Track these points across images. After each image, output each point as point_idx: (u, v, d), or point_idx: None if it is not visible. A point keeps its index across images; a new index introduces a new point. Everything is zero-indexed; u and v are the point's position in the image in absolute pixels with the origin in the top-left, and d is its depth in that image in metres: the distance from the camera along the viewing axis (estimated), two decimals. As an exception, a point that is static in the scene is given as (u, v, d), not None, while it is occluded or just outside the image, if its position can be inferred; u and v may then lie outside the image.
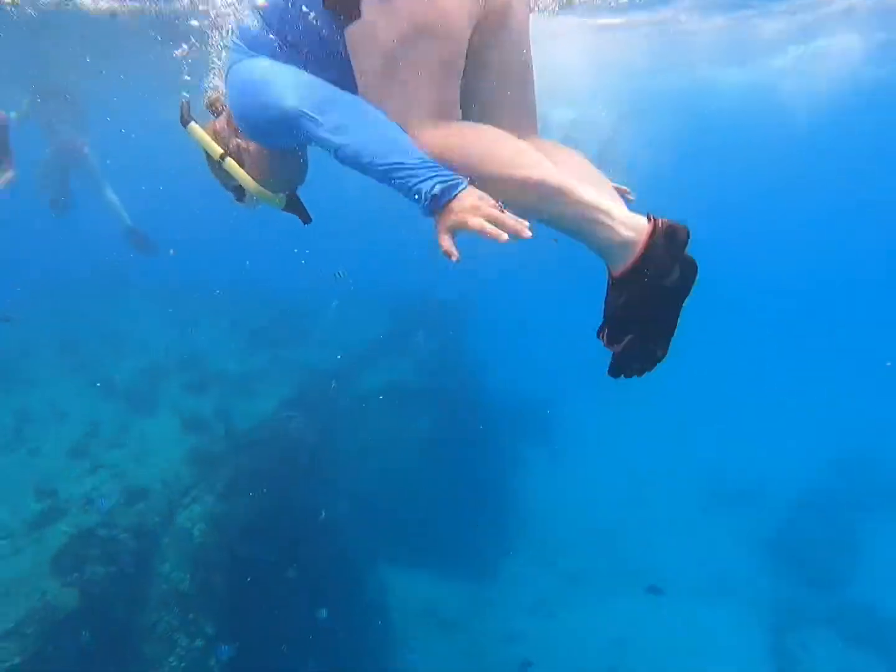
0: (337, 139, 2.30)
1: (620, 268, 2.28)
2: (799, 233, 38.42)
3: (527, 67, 2.69)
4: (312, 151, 3.12)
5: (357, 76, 2.47)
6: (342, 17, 2.37)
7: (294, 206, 3.11)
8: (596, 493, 17.19)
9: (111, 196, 14.98)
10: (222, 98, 3.02)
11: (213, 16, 3.11)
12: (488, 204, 2.10)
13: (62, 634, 8.78)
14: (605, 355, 2.49)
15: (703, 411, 22.08)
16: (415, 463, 13.87)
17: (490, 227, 2.06)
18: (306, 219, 3.19)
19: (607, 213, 2.23)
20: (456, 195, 2.15)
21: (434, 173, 2.17)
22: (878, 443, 19.74)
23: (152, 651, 9.18)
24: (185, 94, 3.17)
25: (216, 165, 2.99)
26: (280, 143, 2.77)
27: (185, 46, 3.75)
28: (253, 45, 2.65)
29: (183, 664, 8.98)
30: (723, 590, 15.10)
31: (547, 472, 18.15)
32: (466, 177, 2.18)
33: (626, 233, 2.23)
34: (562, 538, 15.93)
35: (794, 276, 36.70)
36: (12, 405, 13.44)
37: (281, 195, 3.04)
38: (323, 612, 10.69)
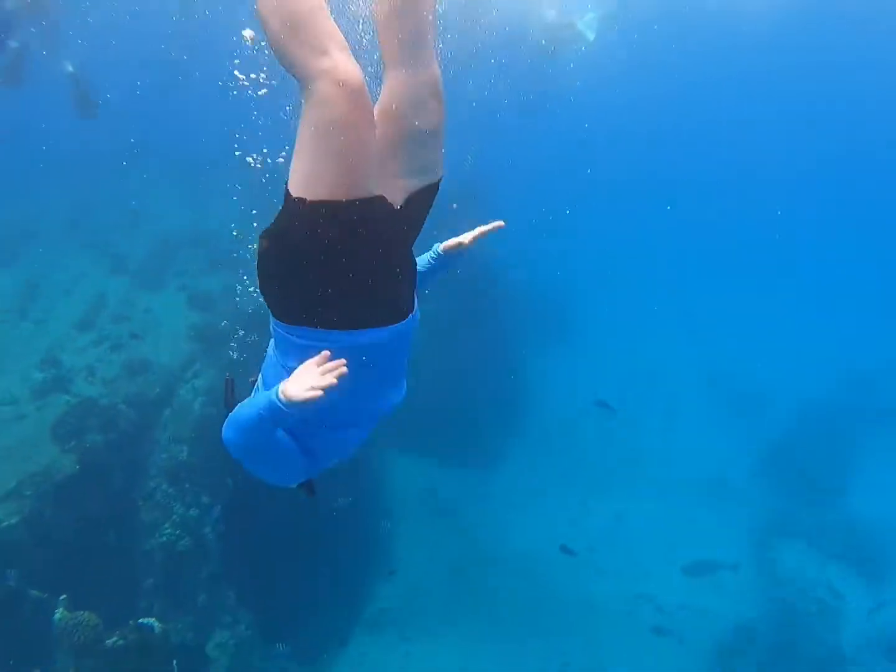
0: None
1: None
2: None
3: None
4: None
5: None
6: None
7: (304, 485, 3.17)
8: (605, 390, 16.91)
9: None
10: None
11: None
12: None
13: (61, 498, 8.86)
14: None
15: (719, 315, 21.56)
16: (428, 349, 13.58)
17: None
18: (310, 495, 3.23)
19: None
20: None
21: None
22: (885, 362, 19.33)
23: (150, 517, 9.23)
24: (228, 375, 3.18)
25: None
26: None
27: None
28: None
29: (178, 531, 9.01)
30: (716, 490, 15.07)
31: (557, 368, 17.83)
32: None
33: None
34: (565, 433, 15.84)
35: (816, 183, 34.93)
36: (21, 277, 13.34)
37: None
38: (342, 501, 10.77)
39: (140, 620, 6.85)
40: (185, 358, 10.98)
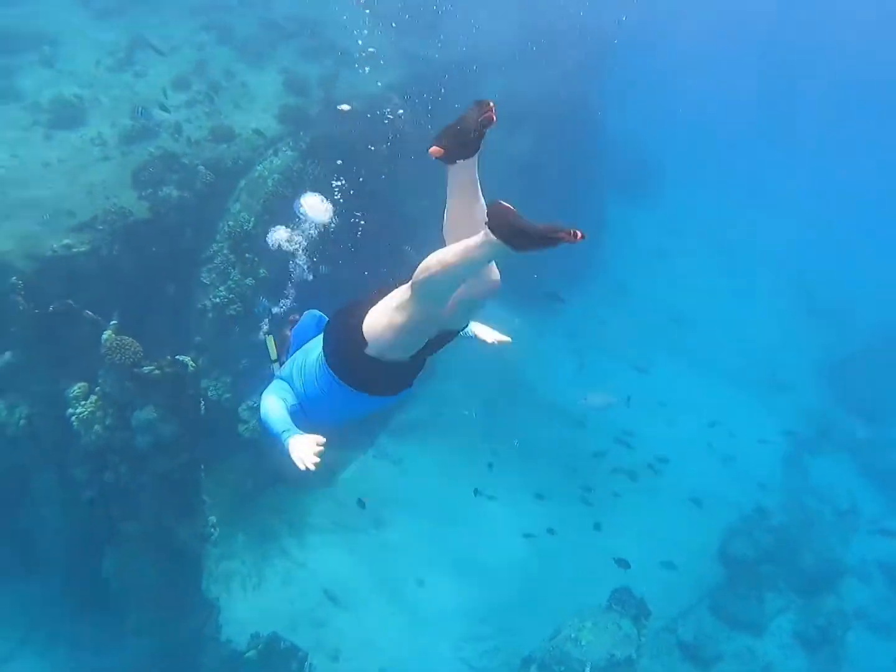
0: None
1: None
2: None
3: None
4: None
5: None
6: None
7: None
8: (685, 272, 16.39)
9: None
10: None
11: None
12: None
13: (131, 240, 9.21)
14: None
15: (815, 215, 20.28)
16: (510, 183, 13.20)
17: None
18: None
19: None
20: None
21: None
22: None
23: (208, 278, 9.57)
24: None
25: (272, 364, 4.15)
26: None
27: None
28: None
29: (231, 296, 9.34)
30: (773, 388, 14.93)
31: (642, 235, 17.22)
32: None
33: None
34: (627, 294, 15.60)
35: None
36: (129, 28, 13.28)
37: None
38: None
39: (177, 356, 7.18)
40: (271, 136, 10.95)
